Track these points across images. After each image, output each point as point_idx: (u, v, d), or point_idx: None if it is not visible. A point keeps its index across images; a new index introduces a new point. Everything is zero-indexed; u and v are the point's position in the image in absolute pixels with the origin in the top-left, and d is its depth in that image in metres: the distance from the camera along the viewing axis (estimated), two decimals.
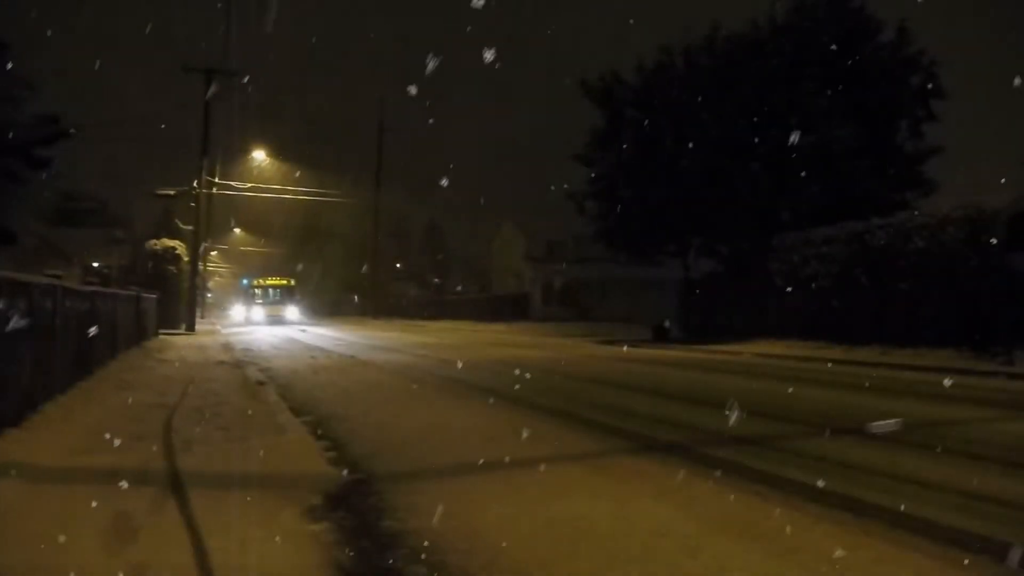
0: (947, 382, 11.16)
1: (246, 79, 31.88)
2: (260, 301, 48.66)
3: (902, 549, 3.92)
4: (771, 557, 3.80)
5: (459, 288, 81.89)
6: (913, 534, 4.16)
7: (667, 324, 28.45)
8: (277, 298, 49.12)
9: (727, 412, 8.69)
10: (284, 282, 50.64)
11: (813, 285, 21.40)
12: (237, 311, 62.09)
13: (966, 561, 3.77)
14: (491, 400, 9.85)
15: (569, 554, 3.83)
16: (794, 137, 23.17)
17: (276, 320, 45.73)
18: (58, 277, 8.59)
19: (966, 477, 5.56)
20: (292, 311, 48.38)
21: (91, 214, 54.53)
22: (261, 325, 42.88)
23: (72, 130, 33.19)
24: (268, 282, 50.55)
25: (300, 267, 62.88)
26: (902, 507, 4.69)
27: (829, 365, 16.73)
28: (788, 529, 4.22)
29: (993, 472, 5.76)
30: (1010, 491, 5.18)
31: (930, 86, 25.57)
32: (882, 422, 7.25)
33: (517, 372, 14.13)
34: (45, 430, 6.56)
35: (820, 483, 5.32)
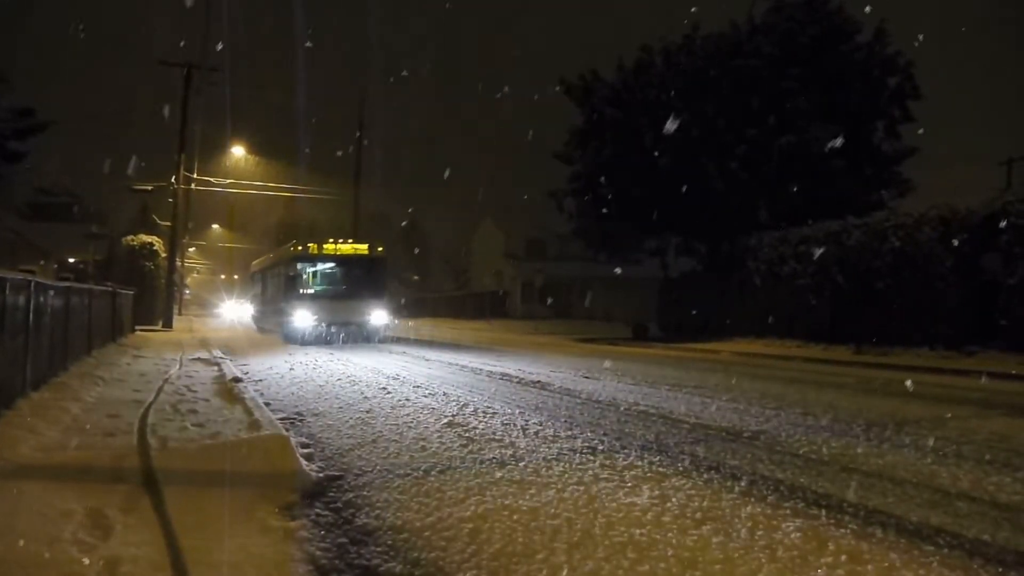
0: (918, 381, 11.28)
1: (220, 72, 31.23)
2: (312, 292, 24.10)
3: (874, 545, 3.97)
4: (744, 551, 3.83)
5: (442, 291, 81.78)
6: (885, 530, 4.22)
7: (647, 323, 28.62)
8: (348, 286, 24.26)
9: (705, 409, 8.79)
10: (362, 250, 24.68)
11: (790, 284, 21.56)
12: (229, 310, 50.84)
13: (937, 558, 3.82)
14: (468, 397, 9.85)
15: (545, 548, 3.84)
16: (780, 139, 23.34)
17: (351, 331, 23.80)
18: (32, 272, 8.48)
19: (938, 474, 5.64)
20: (379, 315, 24.07)
21: (66, 209, 54.04)
22: (311, 340, 22.83)
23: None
24: (333, 249, 24.28)
25: None
26: (874, 504, 4.76)
27: (793, 363, 16.88)
28: (761, 525, 4.26)
29: (964, 469, 5.83)
30: (980, 488, 5.25)
31: (908, 85, 25.80)
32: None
33: (496, 370, 14.15)
34: (18, 426, 6.48)
35: (793, 480, 5.38)
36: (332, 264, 24.54)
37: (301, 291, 23.59)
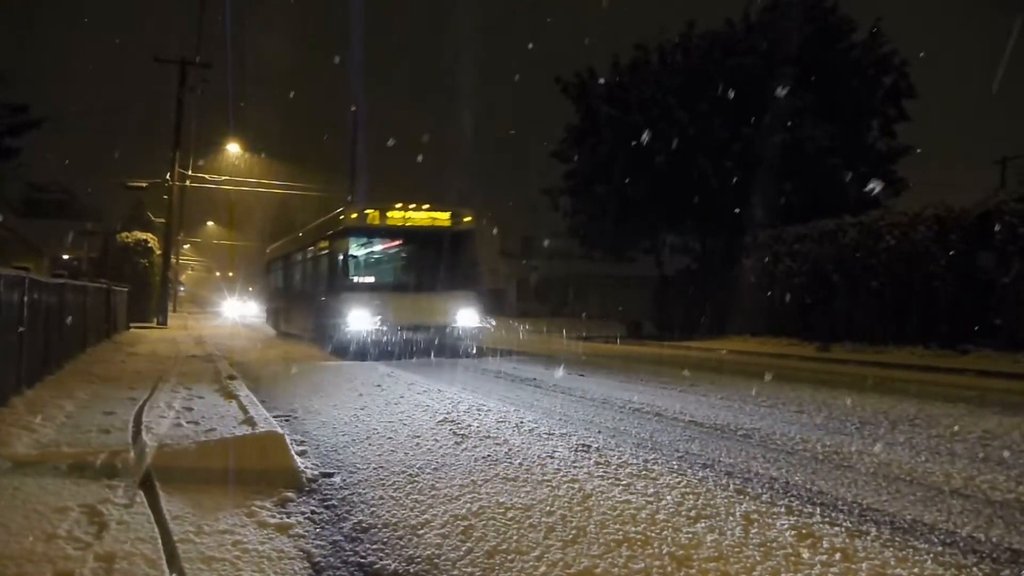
0: (913, 379, 11.30)
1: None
2: (372, 281, 17.23)
3: (868, 543, 3.98)
4: (738, 547, 3.84)
5: None
6: (879, 528, 4.23)
7: (641, 321, 28.65)
8: (423, 272, 17.14)
9: (699, 407, 8.80)
10: (443, 220, 17.12)
11: (786, 282, 21.59)
12: (230, 308, 47.80)
13: (931, 556, 3.83)
14: (462, 395, 9.85)
15: (539, 545, 3.85)
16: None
17: (428, 337, 16.56)
18: (26, 269, 8.46)
19: (931, 472, 5.66)
20: (468, 314, 16.88)
21: (60, 205, 53.86)
22: (373, 352, 15.94)
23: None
24: (401, 218, 16.78)
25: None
26: (868, 502, 4.78)
27: (787, 361, 16.89)
28: (756, 522, 4.27)
29: (958, 467, 5.85)
30: (974, 486, 5.27)
31: (904, 84, 25.84)
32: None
33: (491, 367, 14.15)
34: (13, 424, 6.47)
35: (788, 477, 5.39)
36: (400, 240, 17.20)
37: (356, 280, 16.61)
